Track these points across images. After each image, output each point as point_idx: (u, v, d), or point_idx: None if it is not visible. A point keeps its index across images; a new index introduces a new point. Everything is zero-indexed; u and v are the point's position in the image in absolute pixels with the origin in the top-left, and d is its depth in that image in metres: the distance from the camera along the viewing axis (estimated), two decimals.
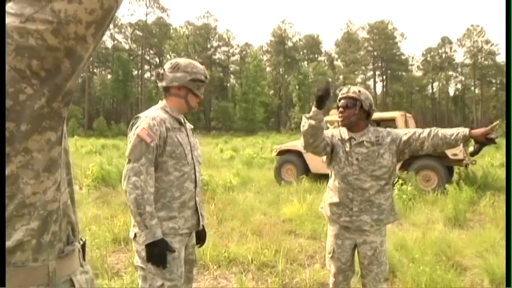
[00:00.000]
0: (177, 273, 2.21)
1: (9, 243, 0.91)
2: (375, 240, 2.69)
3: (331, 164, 2.82)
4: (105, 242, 4.91)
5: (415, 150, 2.63)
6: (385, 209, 2.70)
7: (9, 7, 0.85)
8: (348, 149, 2.73)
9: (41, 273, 0.96)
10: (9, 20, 0.84)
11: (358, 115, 2.72)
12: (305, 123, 2.58)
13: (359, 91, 2.74)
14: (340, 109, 2.76)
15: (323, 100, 2.48)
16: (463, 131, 2.45)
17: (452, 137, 2.47)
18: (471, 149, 2.52)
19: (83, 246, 1.13)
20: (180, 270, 2.24)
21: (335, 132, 2.88)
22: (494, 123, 2.43)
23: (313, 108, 2.53)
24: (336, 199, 2.76)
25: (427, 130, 2.59)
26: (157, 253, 2.11)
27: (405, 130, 2.75)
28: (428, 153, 2.72)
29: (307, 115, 2.56)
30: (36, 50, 0.85)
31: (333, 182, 2.82)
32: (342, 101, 2.76)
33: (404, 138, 2.64)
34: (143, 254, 2.16)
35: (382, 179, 2.66)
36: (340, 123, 2.81)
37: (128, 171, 2.13)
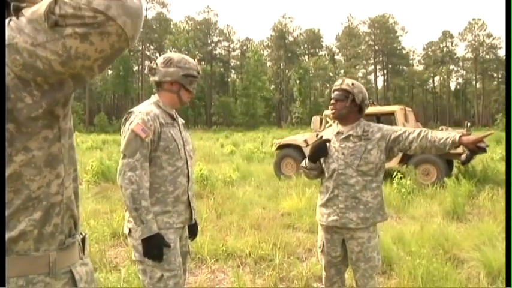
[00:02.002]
0: (175, 263, 2.23)
1: (12, 234, 0.95)
2: (362, 236, 2.64)
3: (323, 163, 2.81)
4: (103, 237, 4.93)
5: (403, 149, 2.58)
6: (372, 207, 2.63)
7: (22, 21, 0.87)
8: (336, 144, 2.71)
9: (41, 262, 1.00)
10: (20, 38, 0.86)
11: (349, 108, 2.67)
12: (308, 174, 2.86)
13: (352, 84, 2.69)
14: (332, 101, 2.73)
15: (318, 157, 2.74)
16: (453, 136, 2.36)
17: (441, 142, 2.39)
18: (463, 157, 2.47)
19: (83, 240, 1.16)
20: (178, 260, 2.27)
21: (326, 133, 2.87)
22: (488, 133, 2.36)
23: (308, 162, 2.78)
24: (324, 199, 2.74)
25: (418, 130, 2.52)
26: (153, 247, 2.13)
27: (398, 127, 2.67)
28: (416, 153, 2.67)
29: (307, 166, 2.80)
30: (42, 71, 0.88)
31: (321, 185, 2.81)
32: (335, 93, 2.73)
33: (394, 135, 2.58)
34: (140, 248, 2.18)
35: (368, 175, 2.62)
36: (331, 115, 2.79)
37: (123, 166, 2.14)
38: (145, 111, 2.22)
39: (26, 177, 0.95)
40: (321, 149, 2.71)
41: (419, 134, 2.49)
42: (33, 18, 0.86)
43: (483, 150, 2.30)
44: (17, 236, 0.96)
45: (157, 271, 2.20)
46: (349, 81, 2.73)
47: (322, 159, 2.76)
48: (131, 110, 2.31)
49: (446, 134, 2.42)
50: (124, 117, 2.29)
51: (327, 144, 2.72)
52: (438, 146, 2.41)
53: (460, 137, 2.33)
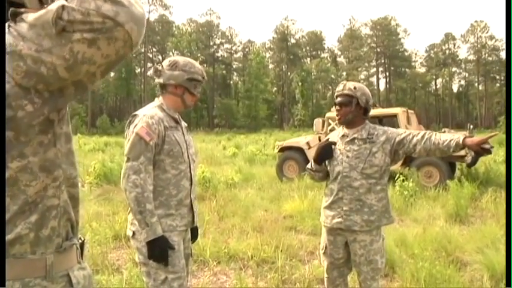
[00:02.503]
0: (179, 265, 2.24)
1: (8, 237, 0.95)
2: (365, 239, 2.64)
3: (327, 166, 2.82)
4: (105, 239, 4.94)
5: (408, 152, 2.57)
6: (377, 210, 2.63)
7: (23, 27, 0.87)
8: (341, 146, 2.71)
9: (38, 265, 0.99)
10: (24, 44, 0.86)
11: (354, 112, 2.67)
12: (313, 176, 2.89)
13: (354, 87, 2.68)
14: (337, 107, 2.72)
15: (323, 159, 2.77)
16: (457, 138, 2.34)
17: (445, 144, 2.37)
18: (468, 159, 2.45)
19: (82, 245, 1.15)
20: (182, 262, 2.27)
21: (332, 136, 2.88)
22: (492, 134, 2.34)
23: (313, 164, 2.82)
24: (328, 202, 2.74)
25: (421, 133, 2.51)
26: (158, 250, 2.14)
27: (402, 130, 2.67)
28: (421, 155, 2.66)
29: (312, 168, 2.85)
30: (45, 78, 0.88)
31: (326, 187, 2.81)
32: (338, 98, 2.72)
33: (399, 138, 2.58)
34: (144, 250, 2.18)
35: (372, 177, 2.62)
36: (337, 121, 2.79)
37: (127, 169, 2.14)
38: (149, 115, 2.23)
39: (22, 182, 0.95)
40: (326, 151, 2.74)
41: (423, 137, 2.48)
42: (37, 24, 0.85)
43: (488, 151, 2.27)
44: (13, 239, 0.96)
45: (161, 273, 2.20)
46: (351, 84, 2.72)
47: (327, 162, 2.77)
48: (135, 113, 2.31)
49: (450, 136, 2.41)
50: (128, 120, 2.29)
51: (333, 146, 2.73)
52: (442, 149, 2.40)
53: (464, 138, 2.31)
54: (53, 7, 0.85)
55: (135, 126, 2.21)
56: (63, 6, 0.84)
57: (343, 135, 2.74)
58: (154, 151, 2.20)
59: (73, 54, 0.86)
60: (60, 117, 1.01)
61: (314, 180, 2.98)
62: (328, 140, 2.80)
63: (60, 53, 0.85)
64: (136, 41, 0.92)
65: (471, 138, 2.32)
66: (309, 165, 2.88)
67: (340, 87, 2.75)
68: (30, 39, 0.86)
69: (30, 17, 0.87)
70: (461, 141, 2.31)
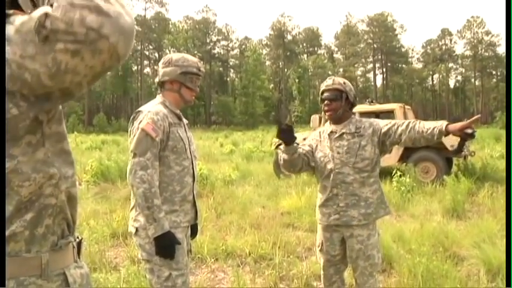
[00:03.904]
0: (182, 262, 2.24)
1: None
2: (362, 233, 2.62)
3: (315, 166, 2.78)
4: (103, 237, 4.93)
5: (394, 142, 2.56)
6: (373, 202, 2.62)
7: (10, 29, 0.85)
8: (329, 144, 2.69)
9: (33, 264, 0.98)
10: (9, 49, 0.84)
11: (344, 107, 2.66)
12: (281, 156, 2.67)
13: (344, 82, 2.67)
14: (326, 102, 2.68)
15: (287, 137, 2.53)
16: (440, 125, 2.32)
17: (428, 132, 2.35)
18: (454, 145, 2.45)
19: (79, 244, 1.14)
20: (185, 259, 2.28)
21: (314, 134, 2.86)
22: (474, 118, 2.32)
23: (283, 146, 2.60)
24: (323, 199, 2.72)
25: (406, 122, 2.49)
26: (166, 245, 2.15)
27: (388, 120, 2.65)
28: (408, 145, 2.62)
29: (282, 150, 2.63)
30: (29, 84, 0.86)
31: (320, 185, 2.79)
32: (326, 93, 2.68)
33: (384, 129, 2.56)
34: (147, 247, 2.19)
35: (364, 171, 2.60)
36: (327, 117, 2.75)
37: (134, 165, 2.15)
38: (154, 111, 2.23)
39: (14, 183, 0.94)
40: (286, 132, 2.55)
41: (407, 126, 2.46)
42: (22, 30, 0.83)
43: (471, 136, 2.26)
44: (8, 237, 0.94)
45: (165, 270, 2.20)
46: (339, 79, 2.71)
47: (319, 159, 2.74)
48: (139, 109, 2.32)
49: (433, 124, 2.39)
50: (132, 117, 2.30)
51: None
52: (426, 137, 2.38)
53: (447, 125, 2.30)
54: (36, 14, 0.82)
55: (139, 122, 2.21)
56: (46, 14, 0.80)
57: (331, 132, 2.71)
58: (160, 147, 2.21)
59: (56, 63, 0.83)
60: (49, 117, 1.00)
61: (282, 163, 2.70)
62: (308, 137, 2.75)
63: (43, 61, 0.82)
64: (123, 54, 0.88)
65: (454, 124, 2.30)
66: (281, 146, 2.69)
67: (329, 82, 2.71)
68: (16, 43, 0.83)
69: (17, 20, 0.85)
70: (444, 128, 2.30)
